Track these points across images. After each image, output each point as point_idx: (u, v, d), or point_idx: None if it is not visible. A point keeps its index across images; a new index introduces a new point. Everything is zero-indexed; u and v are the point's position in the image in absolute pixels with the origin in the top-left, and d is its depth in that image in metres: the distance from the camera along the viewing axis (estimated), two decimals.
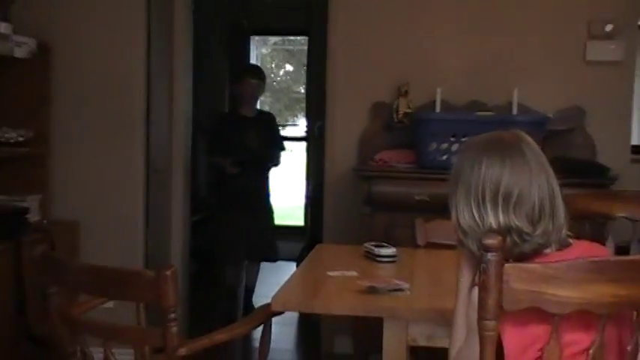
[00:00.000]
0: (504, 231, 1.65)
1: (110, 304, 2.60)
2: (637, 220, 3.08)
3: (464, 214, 1.72)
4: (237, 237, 5.44)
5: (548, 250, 1.70)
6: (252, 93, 5.61)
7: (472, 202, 1.70)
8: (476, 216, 1.69)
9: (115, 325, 2.35)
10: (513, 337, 1.59)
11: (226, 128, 5.60)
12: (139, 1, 4.41)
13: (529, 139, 1.75)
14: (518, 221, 1.66)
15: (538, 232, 1.67)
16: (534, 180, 1.68)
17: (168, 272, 2.08)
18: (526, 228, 1.67)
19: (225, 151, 5.43)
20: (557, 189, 1.72)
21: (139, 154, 4.46)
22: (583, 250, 1.74)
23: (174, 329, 2.14)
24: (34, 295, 3.59)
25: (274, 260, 5.73)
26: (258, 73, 5.82)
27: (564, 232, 1.72)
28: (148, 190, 4.55)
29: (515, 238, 1.67)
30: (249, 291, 5.63)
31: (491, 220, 1.67)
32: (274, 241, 5.72)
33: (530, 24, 4.58)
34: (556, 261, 1.64)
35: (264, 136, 5.57)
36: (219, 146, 5.54)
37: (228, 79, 8.73)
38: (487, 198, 1.68)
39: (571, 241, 1.75)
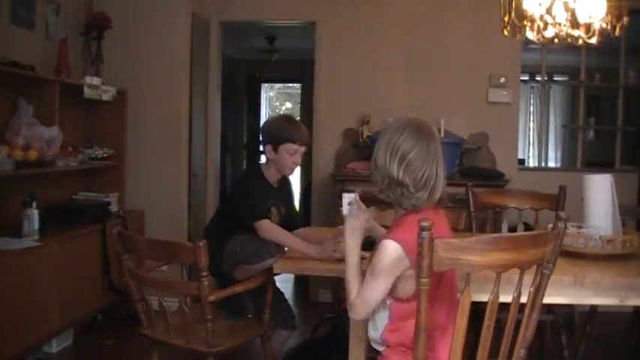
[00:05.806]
0: (396, 184, 1.63)
1: (164, 266, 2.58)
2: (522, 209, 3.10)
3: (381, 155, 1.68)
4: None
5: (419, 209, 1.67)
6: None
7: (387, 151, 1.66)
8: (387, 160, 1.66)
9: (167, 280, 2.37)
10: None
11: None
12: (184, 61, 4.36)
13: (439, 138, 1.71)
14: (407, 181, 1.63)
15: (417, 195, 1.65)
16: (431, 164, 1.65)
17: (201, 244, 2.09)
18: (411, 189, 1.64)
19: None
20: (441, 175, 1.66)
21: (184, 165, 4.40)
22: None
23: (206, 283, 2.15)
24: (115, 260, 3.58)
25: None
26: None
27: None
28: (190, 189, 4.49)
29: (404, 191, 1.64)
30: None
31: (393, 170, 1.64)
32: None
33: (452, 76, 4.59)
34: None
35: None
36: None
37: (246, 113, 8.72)
38: (398, 155, 1.64)
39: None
